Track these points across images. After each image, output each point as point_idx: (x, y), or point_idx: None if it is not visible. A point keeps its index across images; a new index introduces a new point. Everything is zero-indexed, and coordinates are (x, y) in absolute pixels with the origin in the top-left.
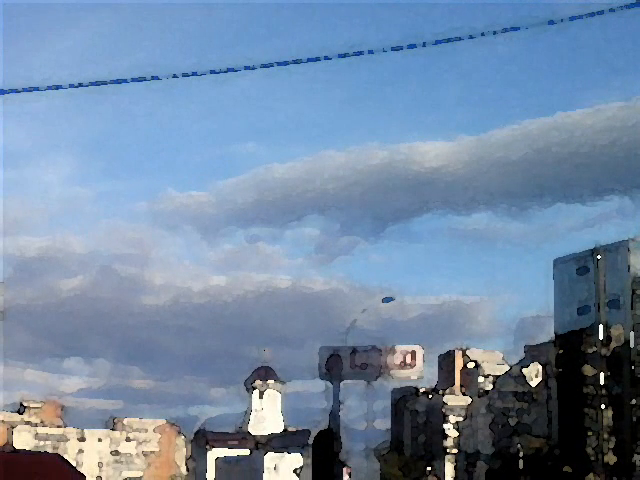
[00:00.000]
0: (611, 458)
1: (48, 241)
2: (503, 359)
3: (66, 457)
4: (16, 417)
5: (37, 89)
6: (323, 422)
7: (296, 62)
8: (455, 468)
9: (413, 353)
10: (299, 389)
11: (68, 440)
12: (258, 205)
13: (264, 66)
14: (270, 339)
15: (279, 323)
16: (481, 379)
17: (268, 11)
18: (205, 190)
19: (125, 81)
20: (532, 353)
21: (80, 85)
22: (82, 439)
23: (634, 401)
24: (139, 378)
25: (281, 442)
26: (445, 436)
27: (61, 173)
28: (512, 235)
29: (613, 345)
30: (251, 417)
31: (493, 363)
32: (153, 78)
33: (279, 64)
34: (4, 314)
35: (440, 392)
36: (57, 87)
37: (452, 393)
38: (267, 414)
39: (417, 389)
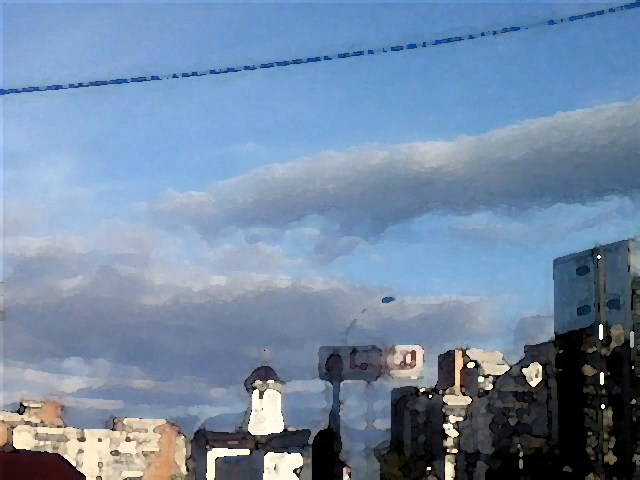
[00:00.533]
0: (611, 458)
1: (48, 241)
2: (503, 359)
3: (66, 457)
4: (16, 417)
5: (37, 89)
6: (323, 422)
7: (296, 62)
8: (455, 468)
9: (413, 353)
10: (299, 389)
11: (68, 440)
12: (258, 205)
13: (264, 66)
14: (270, 339)
15: (279, 323)
16: (481, 379)
17: (268, 11)
18: (205, 190)
19: (125, 81)
20: (532, 353)
21: (80, 85)
22: (82, 439)
23: (634, 401)
24: (139, 378)
25: (281, 442)
26: (445, 436)
27: (61, 173)
28: (512, 235)
29: (613, 345)
30: (251, 417)
31: (493, 363)
32: (153, 78)
33: (279, 64)
34: (4, 314)
35: (440, 392)
36: (57, 87)
37: (452, 393)
38: (267, 414)
39: (417, 389)
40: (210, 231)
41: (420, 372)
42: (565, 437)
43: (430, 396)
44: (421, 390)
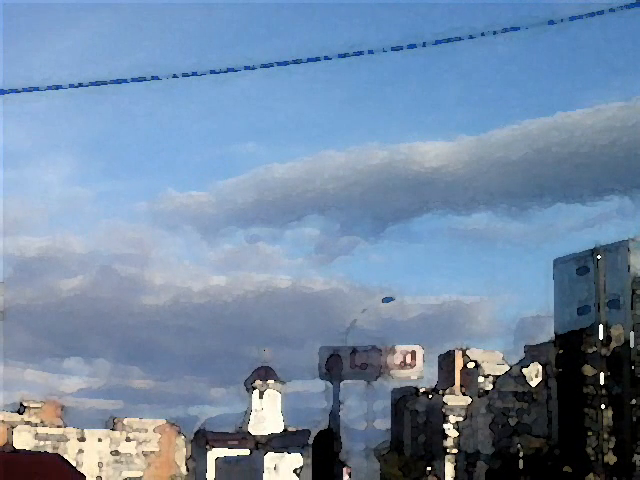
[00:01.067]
0: (611, 458)
1: (48, 241)
2: (503, 359)
3: (66, 457)
4: (16, 417)
5: (37, 89)
6: (323, 422)
7: (296, 62)
8: (455, 468)
9: (413, 353)
10: (299, 389)
11: (68, 440)
12: (258, 205)
13: (264, 66)
14: (270, 339)
15: (279, 323)
16: (481, 379)
17: (268, 11)
18: (205, 190)
19: (125, 81)
20: (532, 353)
21: (80, 85)
22: (82, 439)
23: (634, 401)
24: (139, 378)
25: (281, 442)
26: (445, 436)
27: (61, 173)
28: (512, 235)
29: (613, 345)
30: (251, 417)
31: (493, 363)
32: (153, 78)
33: (279, 64)
34: (4, 314)
35: (440, 392)
36: (57, 87)
37: (452, 393)
38: (267, 414)
39: (417, 389)
40: (210, 231)
41: (420, 372)
42: (565, 437)
43: (430, 396)
44: (421, 390)
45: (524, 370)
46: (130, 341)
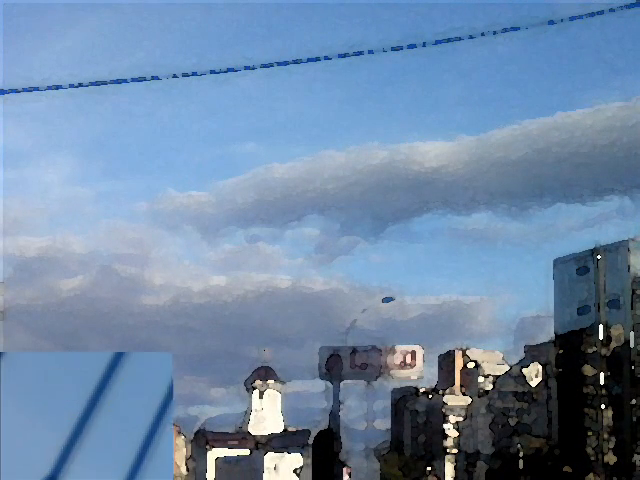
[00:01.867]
0: (611, 458)
1: (48, 241)
2: (503, 359)
3: None
4: None
5: (37, 89)
6: (323, 422)
7: (296, 62)
8: (455, 468)
9: (413, 353)
10: (299, 389)
11: None
12: (258, 205)
13: (264, 66)
14: (270, 339)
15: (279, 323)
16: (481, 379)
17: (268, 11)
18: (205, 190)
19: (125, 81)
20: (532, 353)
21: (80, 85)
22: None
23: (634, 401)
24: None
25: (281, 442)
26: (445, 436)
27: (61, 173)
28: (512, 235)
29: (613, 345)
30: (251, 417)
31: (493, 363)
32: (153, 78)
33: (279, 64)
34: (4, 314)
35: (440, 392)
36: (57, 87)
37: (452, 393)
38: (267, 414)
39: (417, 389)
40: (210, 231)
41: (420, 372)
42: (565, 437)
43: (430, 396)
44: (421, 390)
45: (524, 370)
46: (130, 341)
